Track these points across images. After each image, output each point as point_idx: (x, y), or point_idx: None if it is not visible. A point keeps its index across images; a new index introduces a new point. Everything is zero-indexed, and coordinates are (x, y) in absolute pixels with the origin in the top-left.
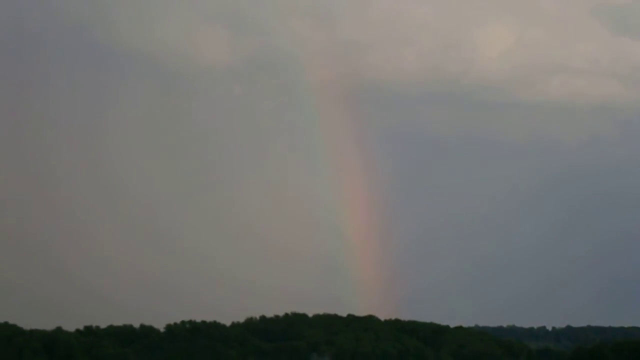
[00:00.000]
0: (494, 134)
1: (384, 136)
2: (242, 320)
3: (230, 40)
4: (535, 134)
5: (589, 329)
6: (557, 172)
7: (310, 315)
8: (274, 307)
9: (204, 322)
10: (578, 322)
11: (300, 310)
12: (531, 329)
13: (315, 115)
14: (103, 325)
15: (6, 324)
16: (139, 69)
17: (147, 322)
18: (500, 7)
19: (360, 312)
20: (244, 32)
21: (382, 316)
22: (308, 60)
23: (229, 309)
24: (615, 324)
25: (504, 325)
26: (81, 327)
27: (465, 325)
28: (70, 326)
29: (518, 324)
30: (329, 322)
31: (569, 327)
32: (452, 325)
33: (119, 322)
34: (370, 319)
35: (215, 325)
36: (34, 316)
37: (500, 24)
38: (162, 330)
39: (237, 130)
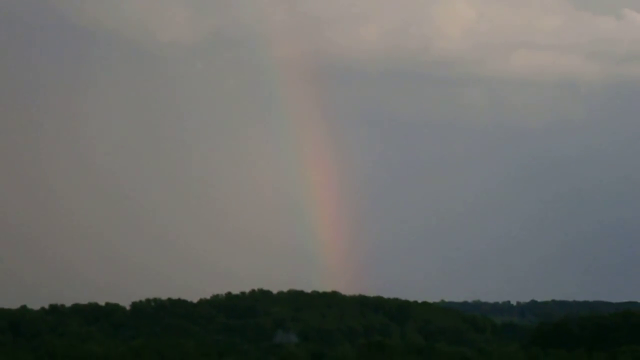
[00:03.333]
0: (456, 111)
1: (348, 114)
2: (208, 297)
3: (192, 17)
4: (498, 109)
5: (554, 303)
6: (520, 145)
7: (275, 292)
8: (240, 286)
9: (169, 300)
10: (542, 296)
11: (265, 284)
12: (496, 303)
13: (278, 92)
14: (68, 304)
15: None
16: (101, 45)
17: (112, 300)
18: None
19: (325, 288)
20: (206, 8)
21: (347, 292)
22: (270, 37)
23: (195, 287)
24: (579, 298)
25: (469, 300)
26: (46, 306)
27: (430, 300)
28: (35, 304)
29: (483, 299)
30: (294, 299)
31: (533, 302)
32: (417, 301)
33: (84, 300)
34: (335, 295)
35: (181, 303)
36: None
37: None
38: (127, 308)
39: (199, 107)
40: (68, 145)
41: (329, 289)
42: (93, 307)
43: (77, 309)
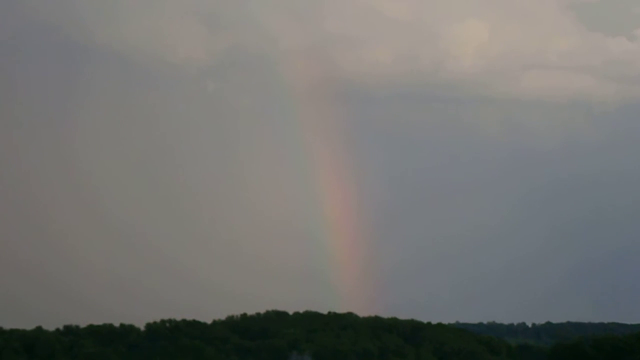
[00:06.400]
0: (468, 133)
1: (361, 135)
2: (223, 318)
3: (205, 38)
4: (510, 130)
5: (569, 325)
6: (534, 166)
7: (290, 313)
8: (255, 307)
9: (184, 321)
10: (558, 318)
11: (281, 308)
12: (511, 325)
13: (291, 113)
14: (83, 325)
15: None
16: (111, 68)
17: (127, 322)
18: (475, 3)
19: (340, 309)
20: (218, 29)
21: (362, 313)
22: (283, 59)
23: (210, 308)
24: (595, 319)
25: (484, 322)
26: (61, 327)
27: (445, 322)
28: (50, 326)
29: (498, 321)
30: (309, 320)
31: (548, 323)
32: (432, 322)
33: (98, 321)
34: (350, 317)
35: (195, 324)
36: (14, 316)
37: (475, 19)
38: (142, 329)
39: (211, 128)
40: (74, 168)
41: (344, 310)
42: (108, 328)
43: (91, 330)
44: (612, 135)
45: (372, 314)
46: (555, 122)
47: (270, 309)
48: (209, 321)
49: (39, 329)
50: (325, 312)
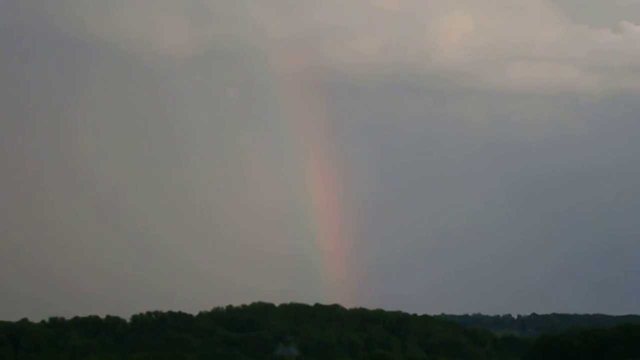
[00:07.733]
0: (454, 125)
1: (347, 127)
2: (209, 310)
3: (190, 29)
4: (496, 122)
5: (554, 316)
6: (520, 158)
7: (276, 304)
8: (241, 298)
9: (170, 313)
10: (543, 309)
11: (267, 300)
12: (497, 317)
13: (278, 105)
14: (68, 317)
15: None
16: (99, 58)
17: (113, 313)
18: None
19: (327, 301)
20: (204, 21)
21: (348, 305)
22: (269, 50)
23: (196, 300)
24: (580, 311)
25: (470, 313)
26: (46, 319)
27: (431, 313)
28: (35, 317)
29: (484, 312)
30: (295, 312)
31: (534, 315)
32: (418, 314)
33: (84, 313)
34: (336, 308)
35: (181, 316)
36: None
37: (461, 11)
38: (128, 321)
39: (198, 119)
40: (65, 157)
41: (330, 302)
42: (93, 320)
43: (77, 322)
44: (598, 127)
45: (358, 306)
46: (541, 113)
47: (256, 300)
48: (195, 313)
49: (24, 320)
50: (311, 303)
